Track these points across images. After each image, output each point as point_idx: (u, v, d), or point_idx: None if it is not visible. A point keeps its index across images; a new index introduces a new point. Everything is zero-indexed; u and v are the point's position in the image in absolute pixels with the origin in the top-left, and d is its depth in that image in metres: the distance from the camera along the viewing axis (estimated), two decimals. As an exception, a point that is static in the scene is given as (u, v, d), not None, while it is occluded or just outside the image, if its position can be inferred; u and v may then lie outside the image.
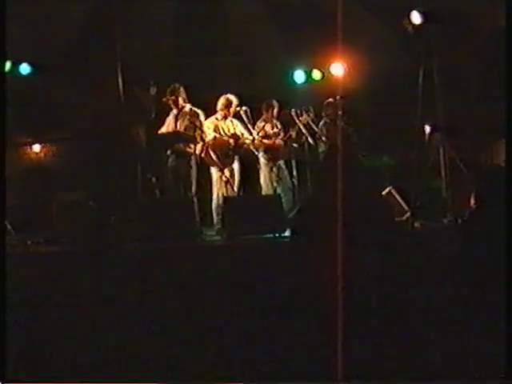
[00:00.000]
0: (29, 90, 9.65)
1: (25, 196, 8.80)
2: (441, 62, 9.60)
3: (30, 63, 9.88)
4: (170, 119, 8.99)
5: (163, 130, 9.00)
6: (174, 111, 8.96)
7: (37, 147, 10.19)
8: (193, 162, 8.85)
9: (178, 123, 8.91)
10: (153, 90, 8.82)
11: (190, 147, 8.85)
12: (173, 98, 8.83)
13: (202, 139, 8.86)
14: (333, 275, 4.56)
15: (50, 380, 3.94)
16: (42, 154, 10.08)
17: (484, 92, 9.84)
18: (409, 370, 4.22)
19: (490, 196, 6.59)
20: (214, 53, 10.78)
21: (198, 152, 8.88)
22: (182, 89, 8.91)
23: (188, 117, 8.90)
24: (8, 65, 9.61)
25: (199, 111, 8.97)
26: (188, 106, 8.96)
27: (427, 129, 9.94)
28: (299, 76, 11.11)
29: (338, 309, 3.86)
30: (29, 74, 9.89)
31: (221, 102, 9.22)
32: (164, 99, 8.79)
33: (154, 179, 8.76)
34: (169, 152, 8.82)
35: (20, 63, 9.86)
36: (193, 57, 10.42)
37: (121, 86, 7.92)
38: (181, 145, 8.84)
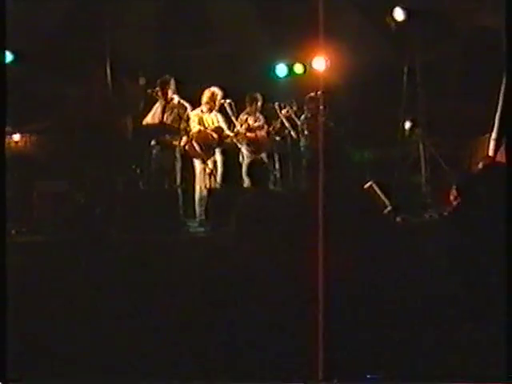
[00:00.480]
0: (11, 78, 9.56)
1: (7, 186, 8.74)
2: (423, 59, 9.72)
3: (13, 51, 9.79)
4: (156, 110, 9.03)
5: (148, 120, 9.03)
6: (162, 102, 8.99)
7: (18, 137, 10.11)
8: (178, 154, 8.89)
9: (166, 115, 8.94)
10: (142, 81, 8.82)
11: (175, 139, 8.88)
12: (157, 89, 8.85)
13: (187, 132, 8.90)
14: (314, 267, 4.62)
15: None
16: (24, 144, 10.01)
17: (465, 89, 9.93)
18: (399, 370, 4.21)
19: (470, 192, 6.64)
20: (196, 45, 10.78)
21: (182, 144, 8.92)
22: (172, 80, 8.95)
23: (176, 109, 8.94)
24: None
25: (187, 104, 9.02)
26: (176, 99, 8.99)
27: (407, 124, 10.03)
28: (281, 70, 11.12)
29: (319, 302, 3.90)
30: (11, 62, 9.81)
31: (206, 94, 9.27)
32: (149, 91, 8.81)
33: (138, 170, 8.76)
34: (153, 143, 8.84)
35: (2, 51, 9.77)
36: (175, 49, 10.40)
37: (109, 76, 7.93)
38: (166, 136, 8.87)
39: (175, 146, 8.90)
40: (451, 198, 6.89)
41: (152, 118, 9.03)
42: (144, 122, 9.04)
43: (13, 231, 7.78)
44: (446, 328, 4.60)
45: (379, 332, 4.80)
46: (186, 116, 8.94)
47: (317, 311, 3.94)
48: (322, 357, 3.71)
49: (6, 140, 9.76)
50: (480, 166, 7.83)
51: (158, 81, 8.98)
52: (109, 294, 5.84)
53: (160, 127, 8.86)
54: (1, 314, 3.98)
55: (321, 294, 4.12)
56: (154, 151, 8.86)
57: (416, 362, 4.22)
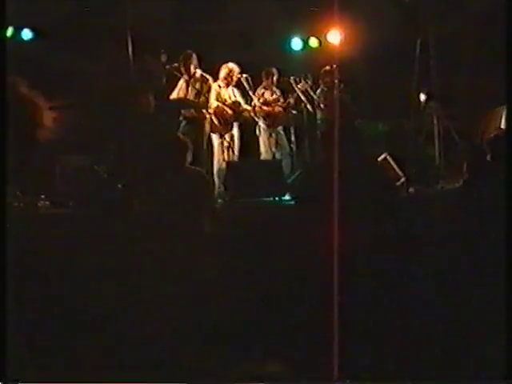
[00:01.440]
0: (31, 55, 9.70)
1: (30, 160, 8.93)
2: (436, 32, 9.79)
3: (32, 29, 9.93)
4: (181, 85, 9.24)
5: (174, 95, 9.25)
6: (186, 77, 9.20)
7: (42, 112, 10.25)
8: (201, 128, 9.11)
9: (190, 89, 9.17)
10: (163, 57, 8.98)
11: (202, 113, 9.10)
12: (177, 65, 9.04)
13: (206, 105, 9.11)
14: (329, 239, 4.75)
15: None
16: (48, 120, 10.16)
17: (479, 62, 10.01)
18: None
19: (482, 165, 6.74)
20: (212, 20, 10.87)
21: (203, 118, 9.12)
22: (194, 55, 9.16)
23: (198, 82, 9.17)
24: (10, 30, 9.69)
25: (209, 77, 9.24)
26: (199, 72, 9.20)
27: (422, 97, 10.14)
28: (296, 43, 11.19)
29: (334, 276, 3.97)
30: (31, 40, 9.96)
31: (223, 70, 9.46)
32: (167, 66, 8.99)
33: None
34: (181, 118, 9.05)
35: (22, 28, 9.91)
36: (192, 25, 10.51)
37: (130, 53, 8.08)
38: (192, 110, 9.09)
39: (198, 120, 9.13)
40: (463, 169, 7.04)
41: (177, 93, 9.24)
42: (170, 98, 9.24)
43: (38, 204, 8.01)
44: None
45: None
46: (207, 88, 9.15)
47: (331, 288, 3.99)
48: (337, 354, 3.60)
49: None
50: (492, 137, 7.94)
51: (181, 56, 9.18)
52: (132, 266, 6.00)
53: (182, 102, 9.07)
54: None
55: (336, 267, 4.17)
56: (182, 125, 9.08)
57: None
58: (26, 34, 9.95)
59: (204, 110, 9.15)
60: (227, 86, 9.44)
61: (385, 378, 4.04)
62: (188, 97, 9.15)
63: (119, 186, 7.95)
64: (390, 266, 5.61)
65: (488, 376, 3.77)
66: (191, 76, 9.21)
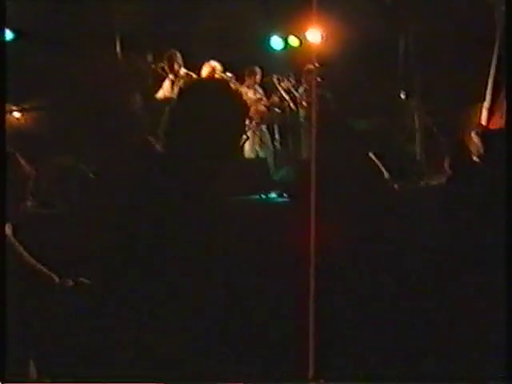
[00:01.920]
0: (17, 55, 9.66)
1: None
2: (417, 30, 9.90)
3: (13, 29, 9.88)
4: (166, 84, 9.26)
5: (159, 95, 9.27)
6: (171, 76, 9.23)
7: (24, 113, 10.25)
8: None
9: (175, 88, 9.16)
10: (149, 57, 9.02)
11: None
12: (162, 65, 9.07)
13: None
14: (308, 237, 4.77)
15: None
16: (30, 121, 10.17)
17: (459, 60, 10.12)
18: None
19: (463, 160, 6.81)
20: (194, 19, 10.87)
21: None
22: (178, 54, 9.21)
23: (183, 81, 9.17)
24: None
25: (193, 74, 9.27)
26: (183, 71, 9.24)
27: (402, 95, 10.25)
28: (276, 42, 11.23)
29: (310, 276, 3.99)
30: (12, 40, 9.90)
31: (205, 69, 9.47)
32: (153, 66, 9.03)
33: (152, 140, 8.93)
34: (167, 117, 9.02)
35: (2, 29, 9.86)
36: (175, 23, 10.52)
37: (119, 53, 8.11)
38: None
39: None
40: (445, 166, 7.11)
41: (163, 93, 9.27)
42: (157, 97, 9.26)
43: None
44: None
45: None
46: None
47: (308, 281, 3.98)
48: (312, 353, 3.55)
49: (17, 117, 9.99)
50: (473, 134, 8.03)
51: (165, 56, 9.23)
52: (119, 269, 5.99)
53: (168, 101, 9.07)
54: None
55: (313, 264, 4.18)
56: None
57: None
58: (8, 34, 9.88)
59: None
60: (208, 84, 9.45)
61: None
62: (173, 96, 9.16)
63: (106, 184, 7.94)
64: (375, 263, 5.67)
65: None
66: (176, 75, 9.25)
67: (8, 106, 10.08)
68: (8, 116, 10.18)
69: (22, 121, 10.20)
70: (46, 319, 4.47)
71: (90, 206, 7.56)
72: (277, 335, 4.40)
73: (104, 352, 4.30)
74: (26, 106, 9.85)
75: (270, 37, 11.19)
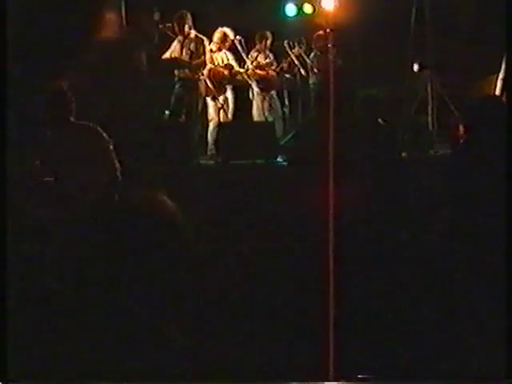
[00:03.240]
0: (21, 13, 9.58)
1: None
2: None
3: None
4: (175, 45, 9.12)
5: (167, 55, 9.14)
6: (180, 38, 9.09)
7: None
8: (194, 89, 9.04)
9: (184, 50, 9.07)
10: (156, 16, 8.90)
11: (196, 74, 9.02)
12: (169, 25, 8.95)
13: (201, 66, 9.04)
14: (324, 200, 4.70)
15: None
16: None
17: (474, 29, 9.98)
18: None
19: (476, 131, 6.71)
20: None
21: (196, 79, 9.05)
22: (188, 15, 9.04)
23: (193, 43, 9.07)
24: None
25: (204, 38, 9.14)
26: (193, 33, 9.08)
27: (416, 67, 10.12)
28: (290, 9, 11.14)
29: (329, 239, 3.90)
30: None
31: (217, 35, 9.39)
32: (161, 26, 8.91)
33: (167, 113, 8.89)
34: (176, 79, 8.98)
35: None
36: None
37: (123, 11, 8.01)
38: (186, 71, 9.00)
39: (190, 81, 9.05)
40: (457, 135, 7.01)
41: (170, 53, 9.13)
42: (163, 57, 9.12)
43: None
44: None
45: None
46: (202, 49, 9.06)
47: (327, 254, 3.89)
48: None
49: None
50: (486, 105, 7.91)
51: (175, 16, 9.09)
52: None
53: (178, 62, 8.99)
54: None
55: (331, 228, 4.10)
56: (176, 86, 9.01)
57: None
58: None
59: (199, 72, 9.06)
60: (219, 49, 9.36)
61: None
62: (182, 58, 9.06)
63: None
64: (385, 231, 5.61)
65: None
66: (185, 36, 9.09)
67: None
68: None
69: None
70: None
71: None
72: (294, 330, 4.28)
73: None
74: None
75: (285, 4, 11.06)
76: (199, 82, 9.08)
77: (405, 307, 4.57)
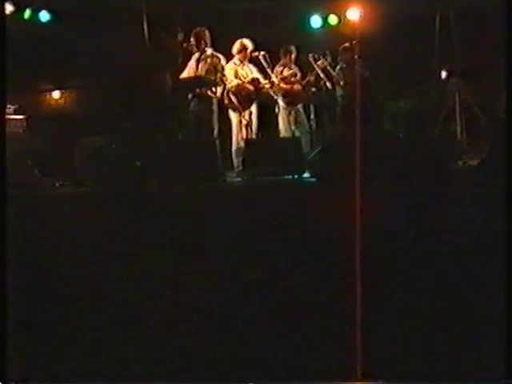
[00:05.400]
0: (49, 37, 9.71)
1: (48, 141, 8.96)
2: (457, 6, 9.66)
3: (50, 10, 9.94)
4: (191, 63, 9.11)
5: (185, 73, 9.13)
6: (196, 55, 9.09)
7: (57, 94, 10.29)
8: (214, 106, 9.04)
9: (200, 66, 9.06)
10: (180, 36, 8.92)
11: (211, 91, 9.02)
12: (192, 42, 8.97)
13: (223, 83, 9.04)
14: (351, 214, 4.64)
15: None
16: (64, 101, 10.20)
17: (501, 35, 9.85)
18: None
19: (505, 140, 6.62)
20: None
21: (218, 95, 9.06)
22: (207, 32, 9.04)
23: (209, 60, 9.06)
24: (28, 12, 9.72)
25: (220, 56, 9.12)
26: (210, 50, 9.06)
27: (443, 74, 10.03)
28: (316, 21, 11.11)
29: (356, 253, 3.86)
30: (48, 21, 9.97)
31: (236, 46, 9.37)
32: (184, 44, 8.93)
33: (176, 123, 8.93)
34: (190, 96, 8.98)
35: (40, 10, 9.93)
36: (210, 2, 10.41)
37: (146, 32, 8.05)
38: (202, 89, 9.00)
39: (211, 98, 9.04)
40: (486, 145, 6.93)
41: (188, 71, 9.11)
42: (181, 77, 9.10)
43: (57, 184, 8.01)
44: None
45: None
46: (220, 67, 9.06)
47: (354, 268, 3.84)
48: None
49: (44, 97, 10.06)
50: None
51: (193, 32, 9.07)
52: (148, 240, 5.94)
53: (196, 80, 8.99)
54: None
55: (358, 244, 4.06)
56: (192, 104, 9.01)
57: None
58: (44, 16, 9.95)
59: (220, 87, 9.06)
60: (242, 62, 9.34)
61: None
62: (198, 74, 9.05)
63: (137, 163, 7.92)
64: (413, 244, 5.55)
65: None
66: (202, 53, 9.08)
67: (44, 86, 10.16)
68: (47, 96, 10.27)
69: (61, 101, 10.26)
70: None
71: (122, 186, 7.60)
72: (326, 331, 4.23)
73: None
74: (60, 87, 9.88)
75: (310, 16, 11.04)
76: (221, 99, 9.08)
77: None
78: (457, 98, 9.66)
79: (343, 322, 3.86)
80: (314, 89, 9.76)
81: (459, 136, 9.41)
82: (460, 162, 8.49)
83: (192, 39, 9.01)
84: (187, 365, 3.87)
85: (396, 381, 3.54)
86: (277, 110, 9.67)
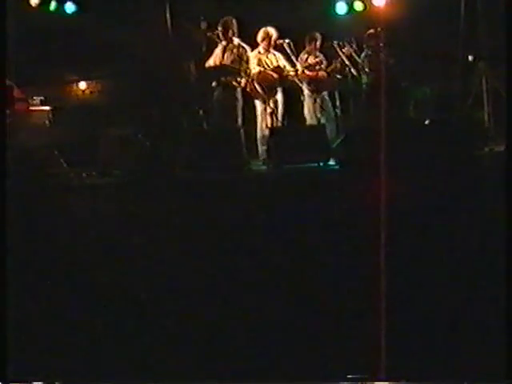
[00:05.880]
0: (74, 28, 9.79)
1: (74, 132, 9.03)
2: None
3: (75, 2, 10.01)
4: (217, 52, 9.17)
5: (210, 62, 9.18)
6: (223, 43, 9.14)
7: (83, 84, 10.36)
8: (239, 95, 9.08)
9: (226, 55, 9.12)
10: (203, 25, 8.95)
11: (236, 80, 9.04)
12: (218, 31, 9.00)
13: (247, 72, 9.06)
14: (376, 202, 4.64)
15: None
16: (89, 91, 10.28)
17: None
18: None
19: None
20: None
21: (243, 85, 9.09)
22: (234, 21, 9.11)
23: (235, 50, 9.12)
24: (53, 4, 9.80)
25: (247, 46, 9.18)
26: (237, 40, 9.13)
27: (470, 58, 9.92)
28: (341, 7, 11.02)
29: (381, 240, 3.86)
30: (74, 13, 10.04)
31: (260, 34, 9.39)
32: (209, 34, 8.96)
33: (201, 111, 8.95)
34: (214, 84, 9.03)
35: (65, 2, 10.00)
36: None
37: (169, 22, 8.07)
38: (227, 77, 9.03)
39: (236, 87, 9.08)
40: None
41: (213, 60, 9.17)
42: (206, 65, 9.17)
43: (84, 174, 8.08)
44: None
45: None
46: (245, 57, 9.11)
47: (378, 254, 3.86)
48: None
49: (70, 88, 10.14)
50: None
51: (221, 21, 9.13)
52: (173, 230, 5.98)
53: (221, 68, 9.02)
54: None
55: (383, 229, 4.07)
56: (216, 92, 9.05)
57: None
58: (70, 8, 10.02)
59: (244, 77, 9.08)
60: (267, 50, 9.35)
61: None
62: (224, 63, 9.09)
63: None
64: (438, 231, 5.54)
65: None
66: (229, 42, 9.14)
67: (69, 77, 10.23)
68: (73, 87, 10.35)
69: (87, 92, 10.32)
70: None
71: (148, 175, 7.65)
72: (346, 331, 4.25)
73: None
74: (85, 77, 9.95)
75: (335, 2, 10.95)
76: (246, 87, 9.10)
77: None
78: (484, 84, 9.55)
79: (367, 318, 3.88)
80: (339, 76, 9.70)
81: (486, 122, 9.30)
82: (486, 149, 8.41)
83: (220, 28, 9.06)
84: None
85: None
86: (302, 97, 9.65)
